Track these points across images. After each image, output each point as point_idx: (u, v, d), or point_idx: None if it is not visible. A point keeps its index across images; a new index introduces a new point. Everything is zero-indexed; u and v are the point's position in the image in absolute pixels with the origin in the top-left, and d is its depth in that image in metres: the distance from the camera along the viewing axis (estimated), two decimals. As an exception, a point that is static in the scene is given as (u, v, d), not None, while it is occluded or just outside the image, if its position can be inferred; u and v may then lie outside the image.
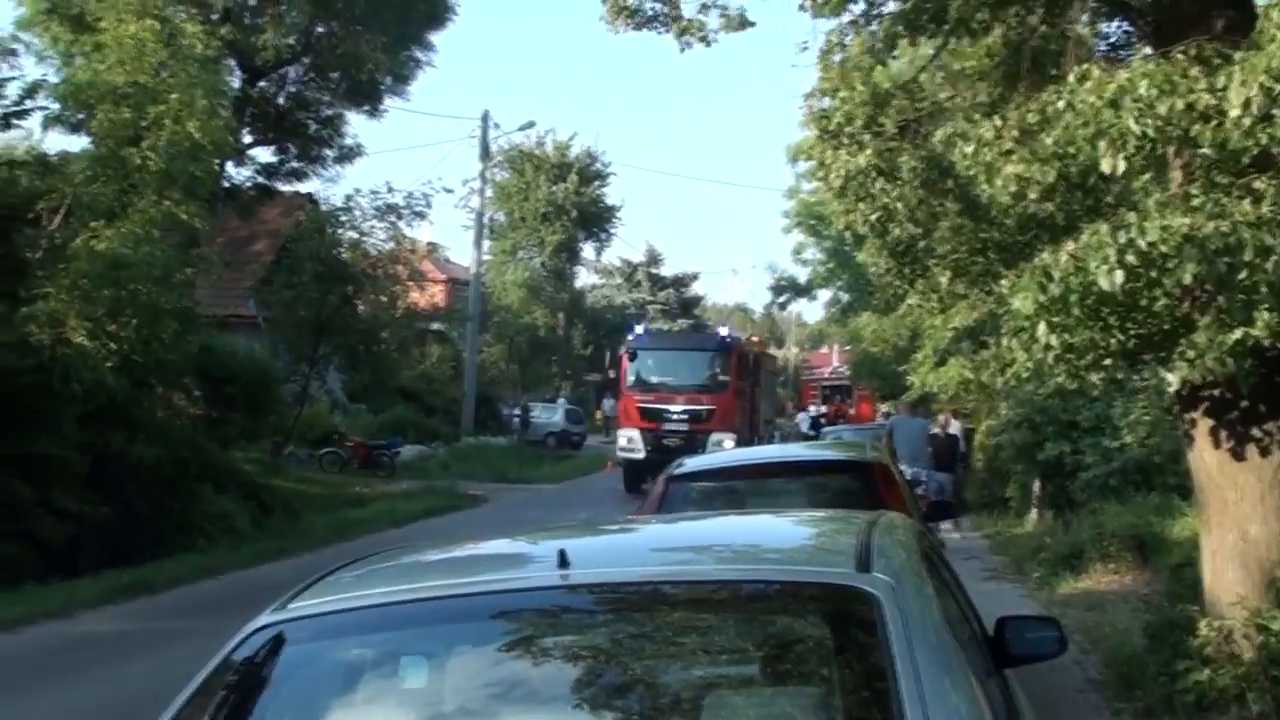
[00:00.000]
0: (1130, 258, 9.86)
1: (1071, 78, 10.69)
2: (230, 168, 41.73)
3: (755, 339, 62.88)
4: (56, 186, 24.69)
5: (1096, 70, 10.55)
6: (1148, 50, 12.63)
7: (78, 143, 30.22)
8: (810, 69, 16.07)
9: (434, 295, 64.29)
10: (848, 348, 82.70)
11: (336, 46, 43.52)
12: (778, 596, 5.03)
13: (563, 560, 4.98)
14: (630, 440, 46.01)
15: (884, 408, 63.90)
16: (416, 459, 51.03)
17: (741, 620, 5.04)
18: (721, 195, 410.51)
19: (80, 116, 28.58)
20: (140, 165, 24.63)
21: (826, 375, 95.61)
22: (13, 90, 25.58)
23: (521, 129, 72.28)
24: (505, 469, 51.64)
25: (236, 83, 41.47)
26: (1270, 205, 9.89)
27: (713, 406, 45.89)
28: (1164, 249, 9.82)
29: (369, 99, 46.05)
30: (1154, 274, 10.05)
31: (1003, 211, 14.16)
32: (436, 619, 5.11)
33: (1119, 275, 9.86)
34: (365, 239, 44.05)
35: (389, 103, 47.11)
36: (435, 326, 62.86)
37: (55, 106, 28.40)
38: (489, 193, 69.48)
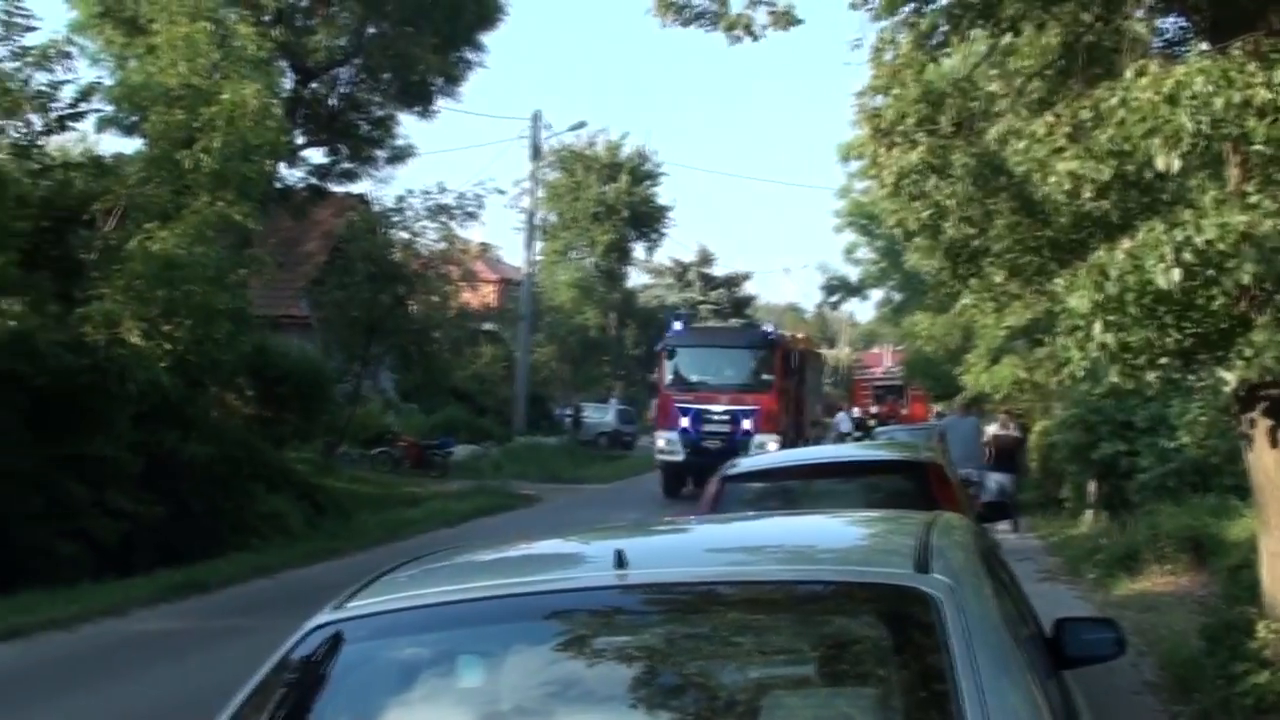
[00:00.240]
0: (1187, 256, 9.79)
1: (1128, 73, 10.63)
2: (283, 169, 41.77)
3: (800, 335, 60.88)
4: (111, 188, 24.78)
5: (1153, 66, 10.49)
6: (1204, 46, 12.56)
7: (132, 145, 30.34)
8: (862, 67, 16.06)
9: (486, 295, 64.43)
10: (900, 348, 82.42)
11: (388, 47, 43.55)
12: (835, 597, 5.01)
13: (619, 560, 4.97)
14: (668, 442, 44.54)
15: (937, 408, 63.73)
16: (469, 459, 51.05)
17: (798, 621, 5.02)
18: (773, 194, 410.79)
19: (134, 119, 28.70)
20: (194, 167, 24.70)
21: (879, 375, 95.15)
22: (67, 93, 25.66)
23: (572, 129, 72.45)
24: (557, 469, 51.64)
25: (289, 84, 41.61)
26: (1329, 203, 9.83)
27: (755, 407, 43.96)
28: (1221, 247, 9.75)
29: (420, 100, 46.04)
30: (1211, 272, 9.98)
31: (1056, 209, 14.11)
32: (492, 618, 5.11)
33: (1176, 273, 9.79)
34: (417, 239, 44.09)
35: (440, 103, 47.03)
36: (487, 326, 62.88)
37: (109, 109, 28.57)
38: (540, 193, 69.46)
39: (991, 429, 32.64)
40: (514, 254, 75.61)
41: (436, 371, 48.55)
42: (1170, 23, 16.00)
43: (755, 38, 15.54)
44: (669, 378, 45.98)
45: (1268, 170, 10.48)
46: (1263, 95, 9.87)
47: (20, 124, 25.09)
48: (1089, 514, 29.35)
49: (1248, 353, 10.52)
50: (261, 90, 26.24)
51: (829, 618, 5.03)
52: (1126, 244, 10.29)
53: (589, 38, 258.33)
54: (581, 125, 74.52)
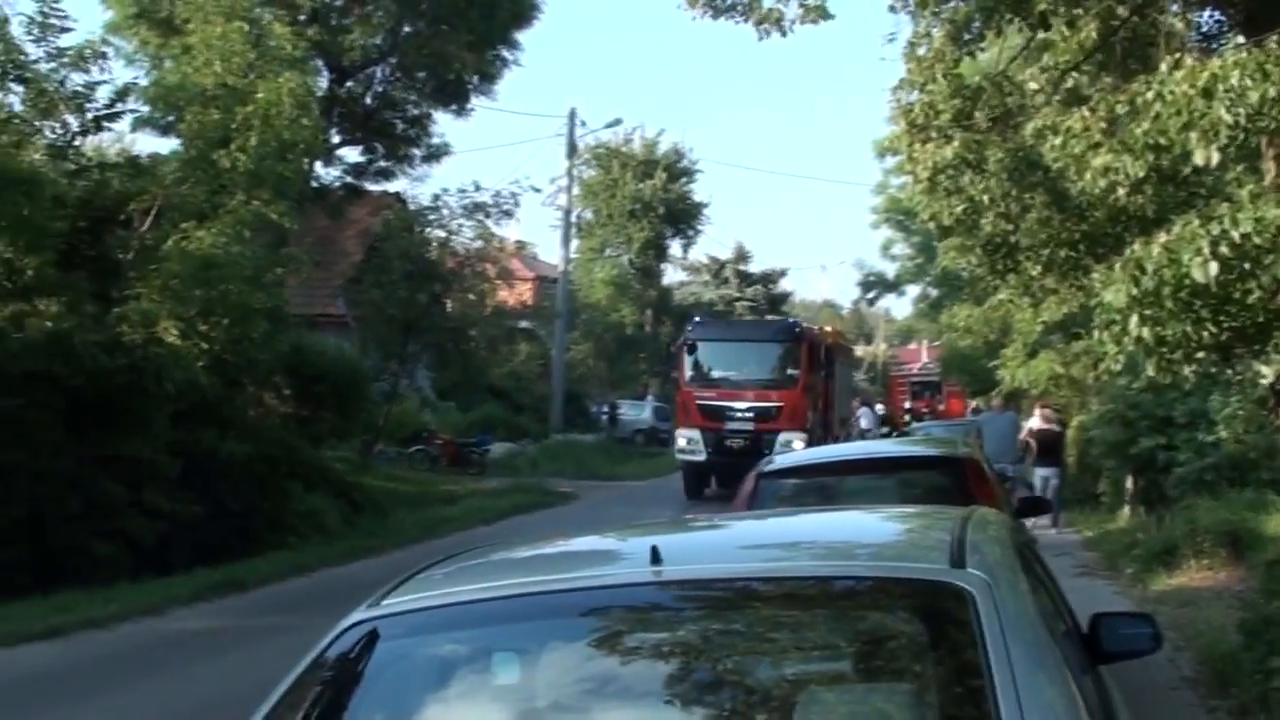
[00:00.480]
0: (1224, 250, 9.78)
1: (1163, 67, 10.62)
2: (319, 167, 41.97)
3: (829, 328, 59.37)
4: (147, 188, 24.88)
5: (1189, 59, 10.47)
6: (1240, 40, 12.53)
7: (167, 144, 30.45)
8: (897, 62, 16.07)
9: (522, 293, 64.49)
10: (936, 343, 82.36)
11: (423, 46, 43.65)
12: (871, 593, 4.97)
13: (655, 557, 4.96)
14: (689, 441, 42.49)
15: (974, 403, 63.58)
16: (505, 456, 51.01)
17: (834, 617, 4.98)
18: (810, 191, 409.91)
19: (170, 119, 28.80)
20: (230, 166, 24.77)
21: (915, 371, 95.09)
22: (103, 94, 25.76)
23: (608, 126, 72.40)
24: (594, 466, 51.52)
25: (324, 83, 41.78)
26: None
27: (781, 403, 41.83)
28: (1258, 241, 9.73)
29: (456, 98, 46.13)
30: (1247, 266, 9.96)
31: (1092, 204, 14.10)
32: (528, 615, 5.09)
33: (1213, 267, 9.78)
34: (453, 238, 44.16)
35: (476, 102, 47.17)
36: (524, 324, 62.85)
37: (145, 109, 28.65)
38: (576, 190, 69.41)
39: (1033, 423, 32.45)
40: (550, 251, 75.89)
41: (473, 369, 48.56)
42: (1206, 17, 15.99)
43: (784, 33, 15.56)
44: (690, 373, 44.00)
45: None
46: (1298, 88, 9.85)
47: (56, 125, 25.25)
48: (1126, 509, 29.34)
49: (1285, 346, 10.51)
50: (297, 89, 26.28)
51: (864, 613, 4.97)
52: (1162, 238, 10.30)
53: (624, 35, 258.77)
54: (617, 123, 74.39)
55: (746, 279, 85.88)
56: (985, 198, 15.34)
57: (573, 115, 63.84)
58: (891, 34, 16.34)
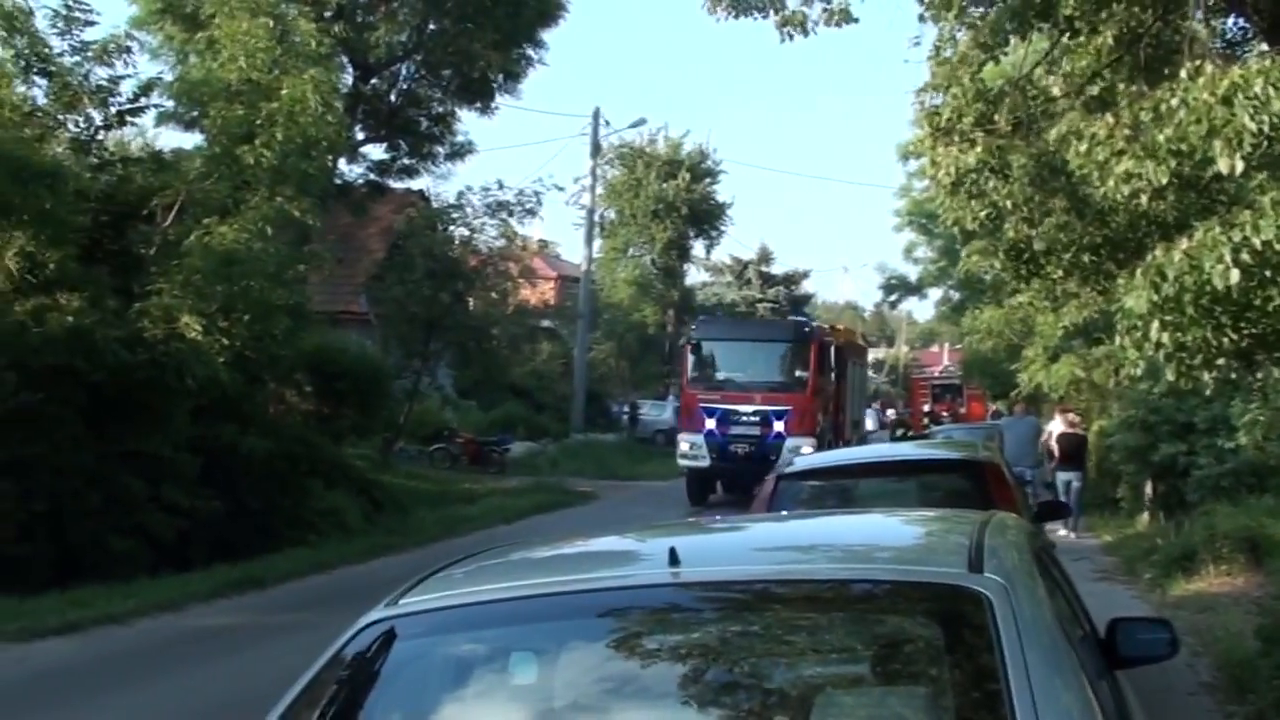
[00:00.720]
0: (1245, 257, 9.77)
1: (1183, 73, 10.61)
2: (342, 164, 42.03)
3: (840, 327, 56.57)
4: (170, 183, 24.88)
5: (1210, 66, 10.45)
6: (1264, 47, 12.52)
7: (191, 140, 30.53)
8: (921, 65, 16.06)
9: (545, 292, 64.51)
10: (958, 347, 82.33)
11: (448, 44, 43.72)
12: (888, 596, 5.01)
13: (673, 558, 4.98)
14: (693, 446, 40.47)
15: (994, 406, 63.56)
16: (526, 455, 51.05)
17: (851, 620, 5.03)
18: (833, 193, 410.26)
19: (194, 114, 28.86)
20: (253, 162, 24.76)
21: (936, 374, 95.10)
22: (127, 88, 25.80)
23: (632, 126, 72.24)
24: (614, 466, 51.54)
25: (349, 80, 41.76)
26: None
27: (788, 407, 39.78)
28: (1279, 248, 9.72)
29: (480, 96, 46.17)
30: (1268, 274, 9.96)
31: (1114, 210, 14.09)
32: (546, 615, 5.12)
33: (1234, 274, 9.78)
34: (476, 236, 44.07)
35: (500, 100, 47.16)
36: (546, 323, 62.86)
37: (169, 104, 28.70)
38: (599, 190, 69.37)
39: (1055, 427, 32.42)
40: (573, 251, 75.77)
41: (495, 368, 48.52)
42: (1230, 24, 15.98)
43: (806, 34, 15.56)
44: (693, 374, 42.18)
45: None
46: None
47: (80, 118, 25.34)
48: (1145, 514, 29.43)
49: (1306, 353, 10.51)
50: (322, 85, 26.28)
51: (881, 616, 5.04)
52: (1184, 245, 10.28)
53: (649, 35, 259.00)
54: (641, 123, 74.06)
55: (768, 280, 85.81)
56: (1008, 203, 15.33)
57: (597, 114, 64.03)
58: (916, 38, 16.36)
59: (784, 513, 11.06)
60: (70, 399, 22.10)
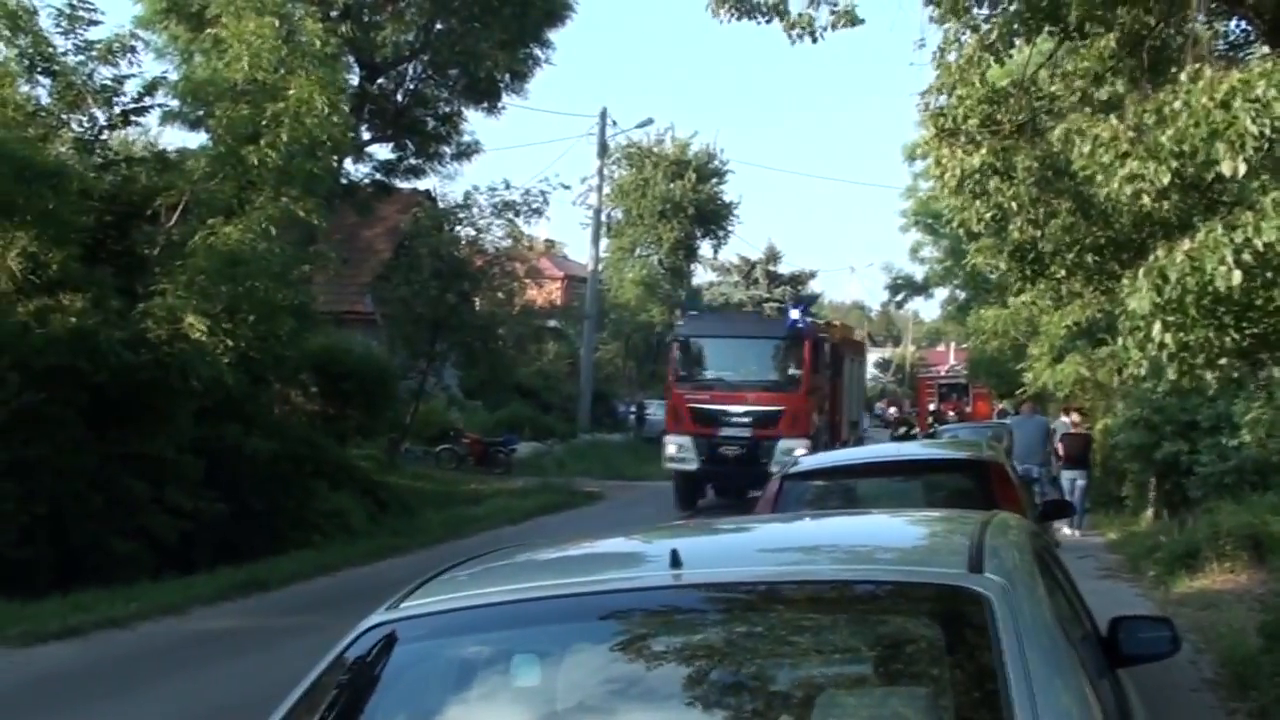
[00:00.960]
0: (1247, 258, 9.82)
1: (1183, 77, 10.62)
2: (348, 164, 42.12)
3: (835, 323, 54.17)
4: (175, 183, 24.83)
5: (1208, 70, 10.45)
6: (1265, 50, 12.53)
7: (196, 139, 30.51)
8: (926, 66, 16.07)
9: (551, 292, 64.48)
10: (964, 346, 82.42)
11: (455, 44, 43.75)
12: (889, 597, 5.06)
13: (675, 560, 5.01)
14: (680, 449, 38.41)
15: (1000, 405, 63.63)
16: (532, 456, 51.15)
17: (853, 620, 5.08)
18: (840, 193, 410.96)
19: (199, 114, 28.83)
20: (258, 162, 24.71)
21: (942, 373, 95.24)
22: (132, 88, 25.78)
23: (639, 126, 72.34)
24: (621, 466, 51.63)
25: (355, 80, 41.85)
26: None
27: (781, 407, 37.82)
28: (1281, 249, 9.74)
29: (487, 96, 46.19)
30: (1270, 274, 9.99)
31: (1117, 210, 14.11)
32: (549, 618, 5.16)
33: (1236, 275, 9.84)
34: (483, 236, 44.11)
35: (507, 100, 47.21)
36: (552, 324, 62.84)
37: (174, 104, 28.69)
38: (606, 190, 69.41)
39: (1062, 426, 32.52)
40: (580, 251, 75.95)
41: (501, 368, 48.47)
42: (1233, 26, 16.01)
43: (815, 39, 15.58)
44: (680, 373, 40.00)
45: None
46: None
47: (84, 118, 25.35)
48: (1149, 512, 29.72)
49: (1307, 353, 10.56)
50: (328, 85, 26.24)
51: (882, 617, 5.08)
52: (1186, 246, 10.32)
53: (656, 35, 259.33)
54: (648, 123, 74.21)
55: (775, 280, 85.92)
56: (1013, 204, 15.36)
57: (604, 115, 64.08)
58: (921, 39, 16.34)
59: (782, 514, 11.10)
60: (73, 400, 22.07)
